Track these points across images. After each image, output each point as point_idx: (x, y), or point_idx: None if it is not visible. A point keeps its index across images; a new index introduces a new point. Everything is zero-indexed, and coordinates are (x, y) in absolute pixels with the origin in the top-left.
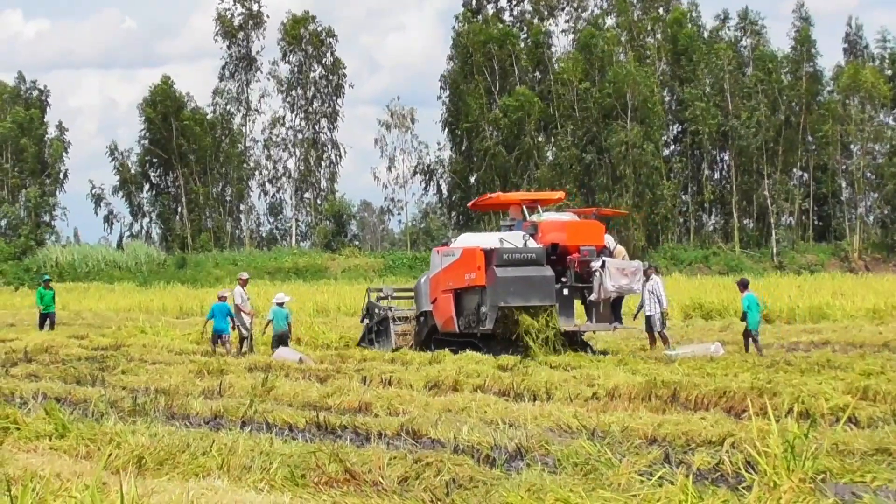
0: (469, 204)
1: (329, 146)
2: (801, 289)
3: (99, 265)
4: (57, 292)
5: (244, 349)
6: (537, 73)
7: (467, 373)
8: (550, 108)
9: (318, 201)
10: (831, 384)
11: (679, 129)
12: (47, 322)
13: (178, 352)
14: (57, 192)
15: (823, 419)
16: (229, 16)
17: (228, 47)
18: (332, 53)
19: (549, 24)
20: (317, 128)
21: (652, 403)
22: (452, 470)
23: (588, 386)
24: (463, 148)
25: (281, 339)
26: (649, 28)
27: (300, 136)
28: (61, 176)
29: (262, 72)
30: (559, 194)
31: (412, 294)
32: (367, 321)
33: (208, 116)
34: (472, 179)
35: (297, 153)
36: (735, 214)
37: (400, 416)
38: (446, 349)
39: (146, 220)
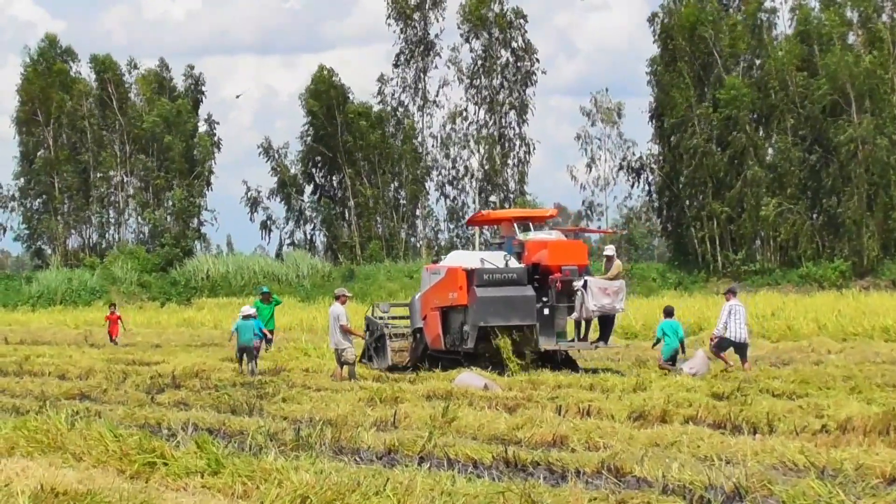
0: (466, 221)
1: (517, 142)
2: None
3: (255, 277)
4: (209, 308)
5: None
6: (757, 60)
7: (677, 401)
8: (772, 100)
9: (506, 204)
10: None
11: None
12: (264, 342)
13: (344, 377)
14: (206, 194)
15: None
16: None
17: (403, 30)
18: (522, 36)
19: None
20: (503, 121)
21: (891, 438)
22: None
23: (816, 417)
24: (672, 144)
25: (244, 351)
26: (882, 5)
27: (484, 130)
28: (208, 174)
29: (441, 58)
30: (551, 211)
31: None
32: (366, 339)
33: (376, 109)
34: (682, 179)
35: (481, 150)
36: None
37: (600, 450)
38: (437, 365)
39: (309, 226)
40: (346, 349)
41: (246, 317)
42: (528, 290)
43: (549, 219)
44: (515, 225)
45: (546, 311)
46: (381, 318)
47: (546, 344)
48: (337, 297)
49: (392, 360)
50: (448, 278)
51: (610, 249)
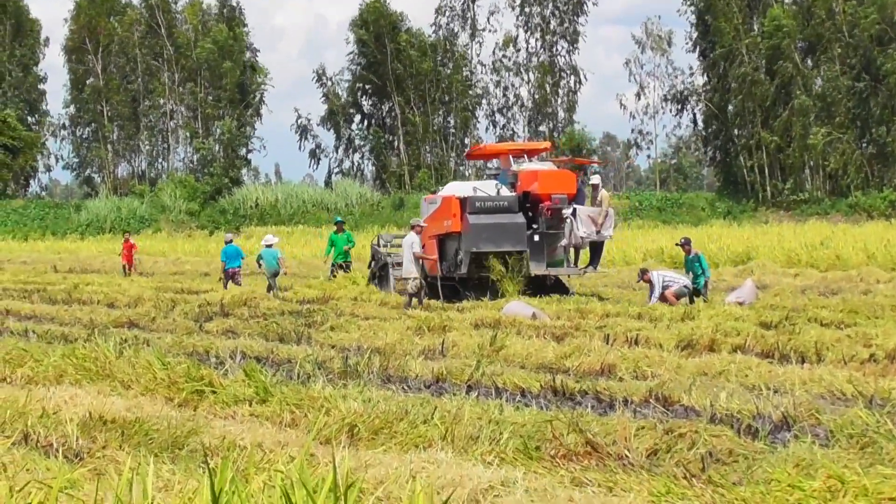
0: (465, 154)
1: (567, 71)
2: None
3: (304, 206)
4: (258, 236)
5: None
6: None
7: (725, 331)
8: (820, 28)
9: (555, 133)
10: None
11: None
12: (341, 272)
13: (393, 305)
14: (255, 123)
15: None
16: None
17: None
18: None
19: None
20: (554, 50)
21: None
22: (709, 442)
23: (864, 346)
24: (720, 73)
25: (274, 276)
26: None
27: (535, 59)
28: (259, 104)
29: None
30: (545, 144)
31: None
32: (372, 266)
33: (430, 38)
34: (731, 109)
35: (531, 79)
36: None
37: (648, 379)
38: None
39: (357, 155)
40: (412, 280)
41: (269, 245)
42: (519, 218)
43: (544, 152)
44: (511, 157)
45: (536, 238)
46: (384, 246)
47: (536, 269)
48: (412, 227)
49: (394, 288)
50: (443, 207)
51: (596, 178)
